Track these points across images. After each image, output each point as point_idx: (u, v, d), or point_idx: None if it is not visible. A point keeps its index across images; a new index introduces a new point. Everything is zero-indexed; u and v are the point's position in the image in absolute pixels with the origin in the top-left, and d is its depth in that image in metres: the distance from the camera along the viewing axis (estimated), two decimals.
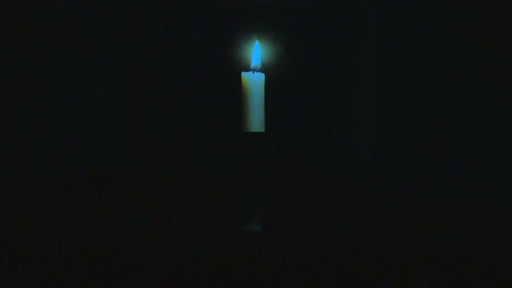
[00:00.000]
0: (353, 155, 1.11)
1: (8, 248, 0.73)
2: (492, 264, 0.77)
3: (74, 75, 1.01)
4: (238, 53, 1.06)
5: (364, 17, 1.09)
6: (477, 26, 1.04)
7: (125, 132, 1.08)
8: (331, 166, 1.11)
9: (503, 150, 1.05)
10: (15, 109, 0.96)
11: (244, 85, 0.83)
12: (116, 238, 0.74)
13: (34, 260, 0.73)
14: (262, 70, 0.85)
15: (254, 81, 0.83)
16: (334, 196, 0.98)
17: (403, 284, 0.76)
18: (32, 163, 0.97)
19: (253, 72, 0.83)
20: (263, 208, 0.86)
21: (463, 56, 1.05)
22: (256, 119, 0.83)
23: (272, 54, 1.06)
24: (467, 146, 1.06)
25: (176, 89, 1.09)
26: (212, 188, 1.06)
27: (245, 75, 0.83)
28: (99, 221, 0.79)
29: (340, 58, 1.09)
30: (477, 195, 0.99)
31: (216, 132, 1.09)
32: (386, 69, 1.07)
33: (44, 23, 0.96)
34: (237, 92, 0.84)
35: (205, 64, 1.08)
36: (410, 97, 1.07)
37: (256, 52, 0.87)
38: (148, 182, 1.08)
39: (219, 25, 1.07)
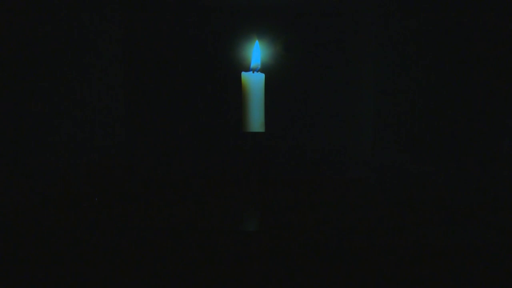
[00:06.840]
0: (353, 154, 1.11)
1: (7, 248, 0.73)
2: (492, 264, 0.77)
3: (74, 75, 1.01)
4: (238, 53, 1.06)
5: (364, 17, 1.09)
6: (477, 24, 1.04)
7: (125, 132, 1.08)
8: (331, 165, 1.11)
9: (504, 149, 1.05)
10: (14, 109, 0.96)
11: (244, 85, 0.83)
12: (115, 238, 0.74)
13: (34, 260, 0.73)
14: (262, 70, 0.85)
15: (254, 81, 0.83)
16: (334, 196, 0.98)
17: (403, 284, 0.76)
18: (31, 163, 0.97)
19: (253, 72, 0.83)
20: (263, 208, 0.86)
21: (464, 55, 1.05)
22: (256, 119, 0.83)
23: (272, 54, 1.06)
24: (467, 146, 1.06)
25: (176, 89, 1.09)
26: (212, 188, 1.06)
27: (245, 75, 0.83)
28: (99, 221, 0.79)
29: (340, 58, 1.09)
30: (477, 194, 0.99)
31: (216, 132, 1.09)
32: (386, 68, 1.07)
33: (44, 22, 0.96)
34: (237, 92, 0.84)
35: (205, 64, 1.08)
36: (410, 96, 1.07)
37: (256, 52, 0.87)
38: (148, 182, 1.08)
39: (219, 25, 1.07)
